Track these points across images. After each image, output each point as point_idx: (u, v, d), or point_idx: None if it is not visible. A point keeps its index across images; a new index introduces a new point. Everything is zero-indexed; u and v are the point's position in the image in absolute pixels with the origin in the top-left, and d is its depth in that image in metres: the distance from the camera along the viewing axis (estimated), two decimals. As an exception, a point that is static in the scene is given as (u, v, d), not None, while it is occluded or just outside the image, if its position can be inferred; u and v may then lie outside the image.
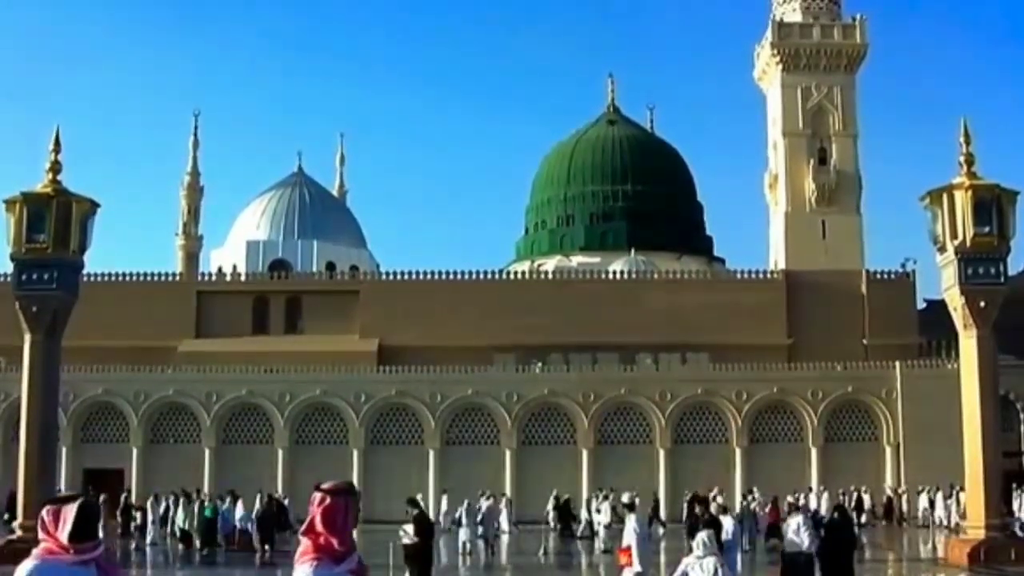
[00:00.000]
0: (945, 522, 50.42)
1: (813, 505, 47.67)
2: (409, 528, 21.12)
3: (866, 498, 52.92)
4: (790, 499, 22.61)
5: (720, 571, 14.60)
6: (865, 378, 61.24)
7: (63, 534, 5.43)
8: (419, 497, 46.88)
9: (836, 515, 20.04)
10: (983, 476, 29.68)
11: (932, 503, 53.26)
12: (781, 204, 73.75)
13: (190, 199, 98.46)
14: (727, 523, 20.24)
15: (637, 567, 17.21)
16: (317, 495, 5.39)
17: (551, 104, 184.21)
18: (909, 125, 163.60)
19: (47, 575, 5.46)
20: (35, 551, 5.55)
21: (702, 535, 15.56)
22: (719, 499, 22.16)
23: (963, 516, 48.78)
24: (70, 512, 5.45)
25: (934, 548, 41.14)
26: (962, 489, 49.22)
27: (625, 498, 18.57)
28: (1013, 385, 56.61)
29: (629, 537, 17.63)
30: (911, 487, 56.57)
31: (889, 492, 56.70)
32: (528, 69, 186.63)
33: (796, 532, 19.41)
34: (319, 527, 5.31)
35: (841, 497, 50.82)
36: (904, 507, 55.74)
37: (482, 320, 67.33)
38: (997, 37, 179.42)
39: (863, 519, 49.51)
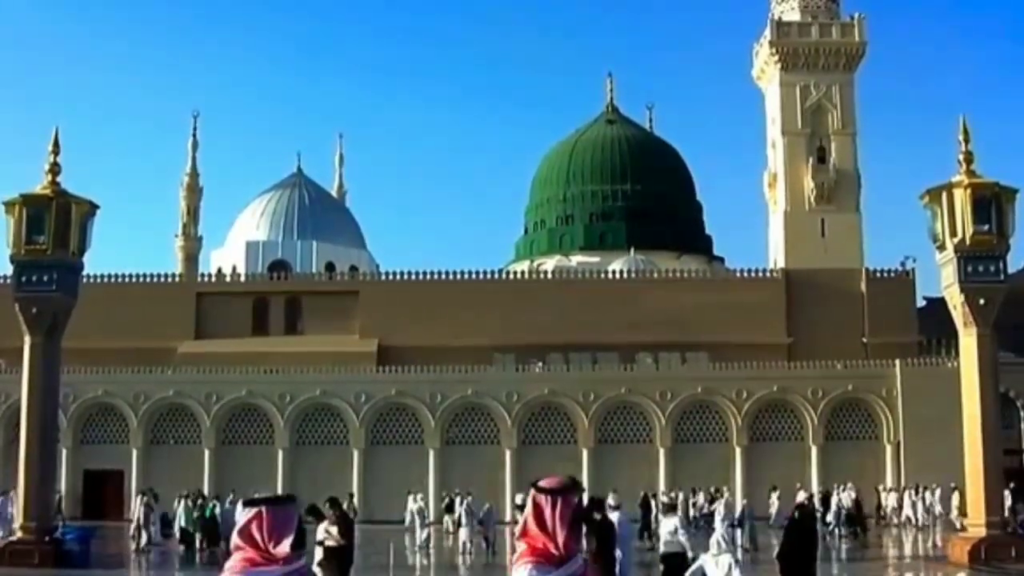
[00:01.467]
0: (914, 521, 50.31)
1: (834, 501, 47.75)
2: (333, 529, 20.70)
3: (841, 497, 51.99)
4: (664, 500, 21.84)
5: (734, 568, 14.68)
6: (865, 377, 61.23)
7: (283, 544, 4.73)
8: (419, 496, 47.12)
9: (797, 514, 19.59)
10: (983, 474, 29.70)
11: (900, 503, 53.21)
12: (780, 203, 73.74)
13: (189, 200, 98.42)
14: (673, 520, 19.93)
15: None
16: (531, 493, 4.84)
17: (550, 103, 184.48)
18: (908, 123, 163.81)
19: None
20: (231, 564, 4.88)
21: (717, 535, 15.66)
22: (611, 500, 21.91)
23: (929, 513, 49.06)
24: (290, 518, 4.80)
25: (896, 546, 41.29)
26: (927, 488, 49.56)
27: (518, 500, 18.20)
28: (1013, 383, 56.58)
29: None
30: (892, 486, 56.50)
31: (855, 492, 56.02)
32: (527, 68, 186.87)
33: (673, 533, 19.21)
34: (532, 529, 4.79)
35: (810, 496, 50.71)
36: (886, 507, 55.20)
37: (482, 320, 67.31)
38: (996, 35, 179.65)
39: (828, 518, 49.42)
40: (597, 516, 18.87)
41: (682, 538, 19.01)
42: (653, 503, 42.80)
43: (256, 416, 61.62)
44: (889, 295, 69.20)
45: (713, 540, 15.35)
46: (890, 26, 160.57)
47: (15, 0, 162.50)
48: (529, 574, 4.77)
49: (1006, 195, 30.76)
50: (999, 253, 30.46)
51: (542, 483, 4.85)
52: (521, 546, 4.87)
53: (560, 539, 4.75)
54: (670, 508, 20.47)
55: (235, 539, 4.79)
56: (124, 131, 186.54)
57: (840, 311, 68.36)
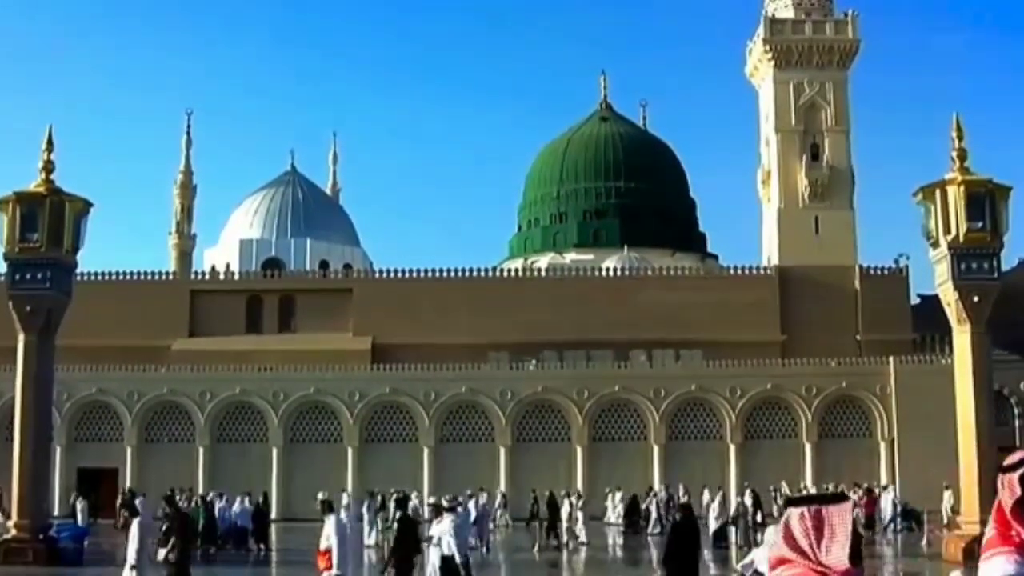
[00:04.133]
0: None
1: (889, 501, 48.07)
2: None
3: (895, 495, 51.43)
4: (445, 500, 21.25)
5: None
6: (859, 374, 61.31)
7: (836, 553, 3.64)
8: (389, 495, 47.05)
9: (679, 517, 18.87)
10: (977, 471, 29.74)
11: None
12: (774, 200, 73.75)
13: (183, 198, 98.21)
14: (446, 521, 19.82)
15: (336, 570, 17.17)
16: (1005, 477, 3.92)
17: (544, 101, 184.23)
18: (902, 120, 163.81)
19: None
20: None
21: (771, 529, 15.75)
22: (431, 500, 22.07)
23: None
24: (845, 521, 3.69)
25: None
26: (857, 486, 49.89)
27: (321, 496, 18.15)
28: (1007, 380, 56.67)
29: (328, 539, 17.51)
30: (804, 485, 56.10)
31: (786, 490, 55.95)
32: (521, 66, 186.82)
33: (449, 535, 19.14)
34: (1003, 512, 3.89)
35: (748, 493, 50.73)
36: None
37: (476, 318, 67.29)
38: (989, 32, 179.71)
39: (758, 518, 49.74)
40: (398, 513, 18.90)
41: (451, 540, 18.85)
42: (568, 501, 42.52)
43: (250, 414, 61.60)
44: (883, 292, 69.29)
45: (767, 533, 15.50)
46: (883, 23, 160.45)
47: (7, 0, 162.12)
48: (1016, 568, 3.77)
49: (999, 192, 30.77)
50: (993, 250, 30.48)
51: (1008, 459, 3.92)
52: (990, 531, 3.99)
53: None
54: (449, 509, 20.23)
55: (780, 548, 3.70)
56: (118, 129, 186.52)
57: (834, 308, 68.42)
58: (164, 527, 20.82)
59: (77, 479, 58.21)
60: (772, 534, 15.69)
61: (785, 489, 54.95)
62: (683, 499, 37.29)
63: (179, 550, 19.73)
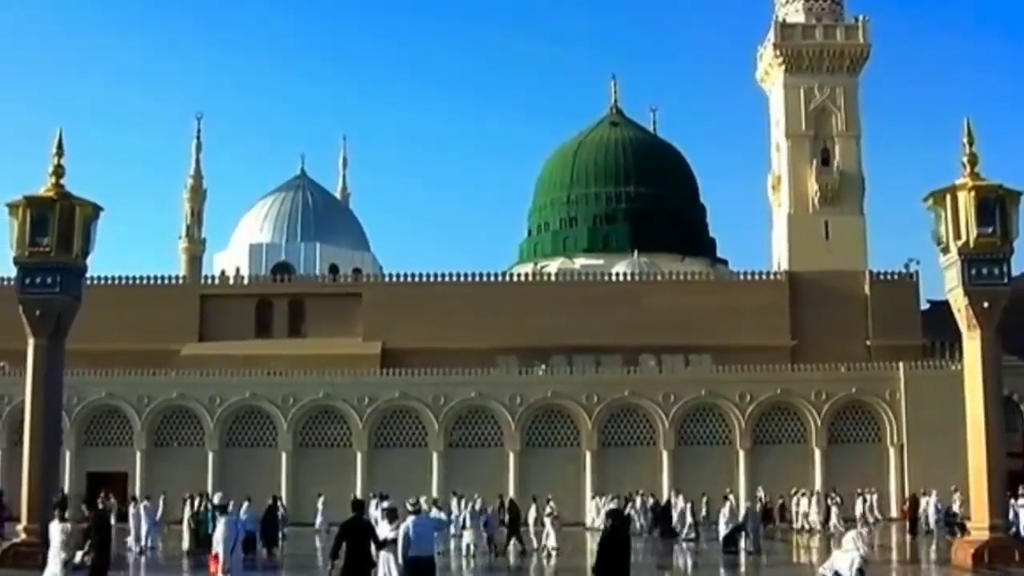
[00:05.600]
0: (813, 525, 50.30)
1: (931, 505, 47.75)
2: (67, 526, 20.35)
3: (953, 500, 50.35)
4: (410, 504, 20.52)
5: (855, 562, 14.84)
6: (869, 379, 61.24)
7: None
8: (423, 500, 47.03)
9: (610, 523, 18.22)
10: (987, 477, 29.66)
11: (786, 507, 54.27)
12: (784, 205, 73.66)
13: (193, 202, 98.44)
14: (385, 527, 19.77)
15: (222, 571, 17.21)
16: None
17: (554, 106, 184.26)
18: (912, 126, 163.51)
19: None
20: None
21: (851, 534, 15.87)
22: (388, 503, 22.04)
23: (825, 520, 49.32)
24: None
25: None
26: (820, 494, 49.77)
27: (216, 499, 18.22)
28: (1016, 386, 56.45)
29: (218, 543, 17.53)
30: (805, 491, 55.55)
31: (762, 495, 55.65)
32: (531, 71, 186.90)
33: (401, 536, 19.01)
34: None
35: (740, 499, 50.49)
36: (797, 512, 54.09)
37: (485, 322, 67.33)
38: (1000, 37, 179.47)
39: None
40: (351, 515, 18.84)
41: (395, 538, 18.80)
42: (536, 506, 42.17)
43: (259, 418, 61.67)
44: (893, 298, 69.19)
45: (847, 539, 15.64)
46: (894, 28, 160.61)
47: (18, 1, 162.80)
48: None
49: (1010, 197, 30.69)
50: (1003, 256, 30.39)
51: None
52: None
53: None
54: (413, 512, 19.87)
55: None
56: (128, 133, 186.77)
57: (844, 314, 68.33)
58: (84, 529, 20.70)
59: (87, 483, 58.39)
60: (851, 539, 15.68)
61: (761, 494, 54.81)
62: (611, 505, 36.75)
63: (96, 551, 19.66)
